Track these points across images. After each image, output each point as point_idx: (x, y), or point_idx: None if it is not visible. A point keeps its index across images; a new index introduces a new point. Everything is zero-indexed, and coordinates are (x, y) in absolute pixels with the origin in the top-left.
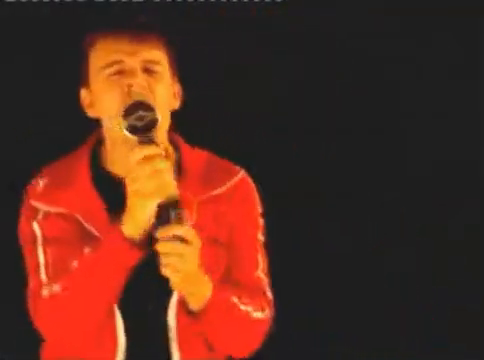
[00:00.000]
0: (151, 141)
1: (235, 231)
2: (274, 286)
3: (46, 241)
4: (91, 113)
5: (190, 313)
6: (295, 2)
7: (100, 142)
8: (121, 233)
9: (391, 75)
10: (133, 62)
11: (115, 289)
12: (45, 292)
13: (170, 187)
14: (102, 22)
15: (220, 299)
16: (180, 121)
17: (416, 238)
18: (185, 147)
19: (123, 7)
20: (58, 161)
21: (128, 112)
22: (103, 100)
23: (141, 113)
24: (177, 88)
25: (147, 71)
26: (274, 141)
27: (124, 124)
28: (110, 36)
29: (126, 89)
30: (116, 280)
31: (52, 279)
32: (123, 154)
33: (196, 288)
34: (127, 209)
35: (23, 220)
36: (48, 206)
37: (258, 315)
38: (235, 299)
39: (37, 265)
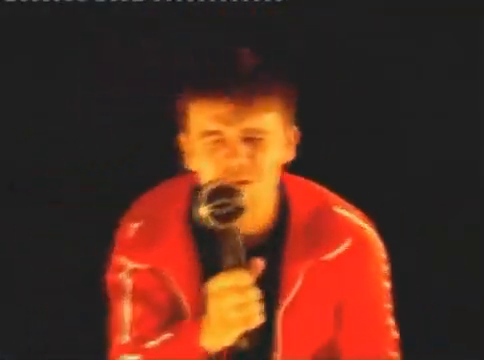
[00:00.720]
0: (240, 264)
1: (349, 307)
2: None
3: (133, 297)
4: (189, 165)
5: None
6: (295, 2)
7: (197, 190)
8: (197, 340)
9: (391, 75)
10: (232, 133)
11: None
12: (122, 357)
13: (255, 319)
14: (202, 73)
15: None
16: None
17: (416, 238)
18: (295, 196)
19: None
20: (150, 197)
21: (211, 198)
22: (201, 165)
23: (224, 200)
24: (292, 134)
25: (249, 140)
26: None
27: (204, 211)
28: (210, 96)
29: (224, 164)
30: None
31: (134, 341)
32: None
33: None
34: (207, 323)
35: (110, 269)
36: (137, 263)
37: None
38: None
39: (121, 321)
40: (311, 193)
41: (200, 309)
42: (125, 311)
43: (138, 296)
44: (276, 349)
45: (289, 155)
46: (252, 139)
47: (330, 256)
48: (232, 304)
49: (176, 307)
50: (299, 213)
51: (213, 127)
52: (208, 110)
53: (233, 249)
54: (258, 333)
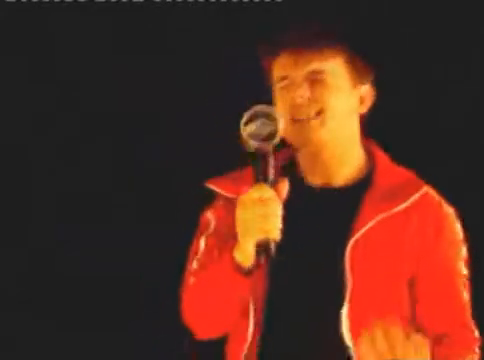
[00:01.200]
0: (267, 179)
1: (425, 263)
2: None
3: (211, 232)
4: None
5: None
6: (295, 2)
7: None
8: (232, 256)
9: (391, 75)
10: (296, 75)
11: (233, 300)
12: (191, 280)
13: (274, 231)
14: (281, 37)
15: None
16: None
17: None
18: (382, 159)
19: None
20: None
21: (249, 120)
22: (277, 108)
23: (264, 120)
24: (365, 92)
25: (312, 81)
26: None
27: (244, 131)
28: (282, 50)
29: (290, 101)
30: (230, 293)
31: (198, 268)
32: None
33: None
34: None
35: (204, 210)
36: (223, 191)
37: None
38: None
39: (195, 252)
40: (398, 169)
41: None
42: (201, 243)
43: (215, 231)
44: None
45: (361, 108)
46: (315, 81)
47: (400, 208)
48: (254, 214)
49: None
50: (385, 176)
51: (283, 73)
52: (281, 61)
53: (264, 168)
54: (275, 247)
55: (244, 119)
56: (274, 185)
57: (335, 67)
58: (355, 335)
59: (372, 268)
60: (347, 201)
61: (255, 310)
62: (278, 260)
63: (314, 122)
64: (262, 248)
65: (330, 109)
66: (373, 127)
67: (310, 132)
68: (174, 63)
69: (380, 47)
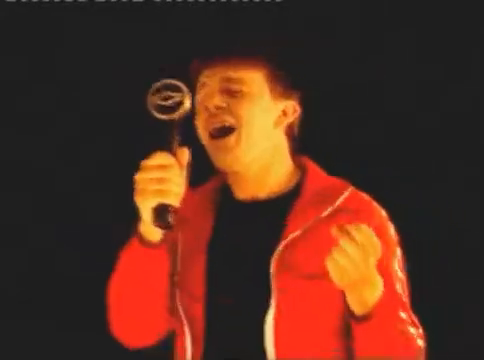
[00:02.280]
0: (171, 150)
1: None
2: None
3: None
4: None
5: (352, 317)
6: (295, 2)
7: None
8: (137, 231)
9: (391, 75)
10: (213, 82)
11: (152, 286)
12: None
13: (170, 195)
14: (201, 50)
15: (389, 306)
16: None
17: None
18: (313, 170)
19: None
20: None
21: (156, 91)
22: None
23: (169, 93)
24: (288, 107)
25: (228, 91)
26: None
27: (150, 102)
28: (203, 60)
29: (203, 105)
30: (146, 274)
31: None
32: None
33: (366, 289)
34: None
35: None
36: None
37: (420, 343)
38: (402, 313)
39: None
40: (327, 177)
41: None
42: None
43: None
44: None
45: (282, 121)
46: (231, 89)
47: (326, 213)
48: (151, 177)
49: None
50: (314, 185)
51: (202, 79)
52: (202, 69)
53: (168, 137)
54: (172, 214)
55: (151, 90)
56: (176, 152)
57: (255, 77)
58: (280, 348)
59: (299, 277)
60: (274, 213)
61: (192, 328)
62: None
63: (229, 141)
64: (158, 213)
65: (245, 121)
66: (373, 127)
67: (227, 154)
68: (173, 63)
69: (308, 69)
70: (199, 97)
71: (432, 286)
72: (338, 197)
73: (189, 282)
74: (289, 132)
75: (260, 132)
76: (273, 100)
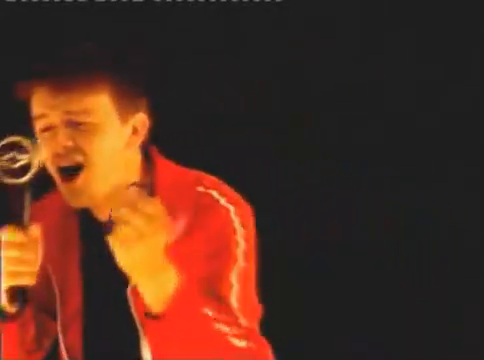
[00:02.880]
0: (22, 225)
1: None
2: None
3: None
4: None
5: (148, 316)
6: (295, 2)
7: None
8: None
9: (391, 75)
10: (55, 115)
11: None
12: None
13: (23, 277)
14: (33, 64)
15: (186, 304)
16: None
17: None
18: (161, 171)
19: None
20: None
21: (1, 151)
22: None
23: (15, 155)
24: (138, 122)
25: (73, 125)
26: (275, 139)
27: None
28: (37, 82)
29: (51, 148)
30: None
31: None
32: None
33: (155, 277)
34: None
35: None
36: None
37: (237, 343)
38: (209, 311)
39: None
40: (179, 176)
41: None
42: None
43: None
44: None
45: (134, 141)
46: (76, 123)
47: (179, 228)
48: (6, 257)
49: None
50: (161, 195)
51: (39, 111)
52: (38, 96)
53: (18, 206)
54: (24, 295)
55: None
56: (27, 225)
57: (100, 104)
58: None
59: None
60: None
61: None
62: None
63: (81, 182)
64: (11, 294)
65: (96, 157)
66: (373, 127)
67: (81, 196)
68: (174, 63)
69: (156, 69)
70: (38, 128)
71: (432, 286)
72: (189, 205)
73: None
74: (141, 144)
75: (112, 162)
76: (122, 122)
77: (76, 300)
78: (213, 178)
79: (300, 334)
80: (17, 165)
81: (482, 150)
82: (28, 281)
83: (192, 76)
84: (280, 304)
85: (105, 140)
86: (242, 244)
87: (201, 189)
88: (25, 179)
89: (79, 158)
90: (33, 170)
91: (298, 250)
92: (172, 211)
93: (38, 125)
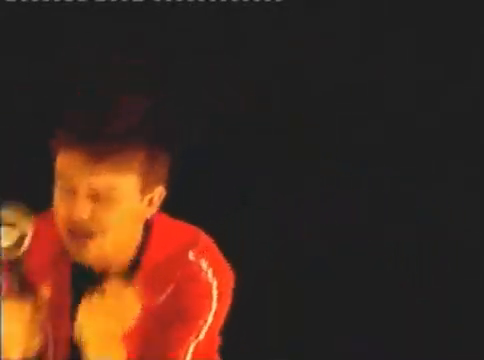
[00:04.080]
0: (18, 294)
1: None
2: None
3: None
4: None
5: None
6: (295, 2)
7: None
8: None
9: (391, 75)
10: (78, 184)
11: None
12: None
13: (10, 352)
14: (67, 128)
15: None
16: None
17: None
18: (155, 240)
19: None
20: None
21: None
22: (55, 206)
23: (5, 230)
24: (156, 194)
25: (96, 197)
26: (274, 140)
27: None
28: (71, 144)
29: (67, 213)
30: None
31: None
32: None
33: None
34: None
35: None
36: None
37: None
38: None
39: None
40: (173, 237)
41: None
42: None
43: None
44: None
45: (148, 212)
46: (99, 196)
47: (163, 297)
48: (15, 332)
49: None
50: (152, 258)
51: (64, 172)
52: (65, 158)
53: (11, 279)
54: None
55: None
56: (23, 296)
57: (126, 183)
58: None
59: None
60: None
61: None
62: None
63: (92, 246)
64: None
65: (111, 229)
66: (373, 127)
67: (86, 252)
68: (174, 63)
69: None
70: (59, 184)
71: (432, 286)
72: (177, 272)
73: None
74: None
75: (124, 231)
76: (142, 196)
77: (65, 350)
78: (207, 240)
79: (300, 334)
80: (9, 241)
81: (482, 150)
82: (11, 356)
83: (192, 76)
84: (280, 304)
85: (122, 214)
86: (210, 321)
87: (191, 257)
88: (19, 253)
89: (94, 228)
90: (26, 242)
91: (298, 250)
92: (159, 275)
93: (59, 181)
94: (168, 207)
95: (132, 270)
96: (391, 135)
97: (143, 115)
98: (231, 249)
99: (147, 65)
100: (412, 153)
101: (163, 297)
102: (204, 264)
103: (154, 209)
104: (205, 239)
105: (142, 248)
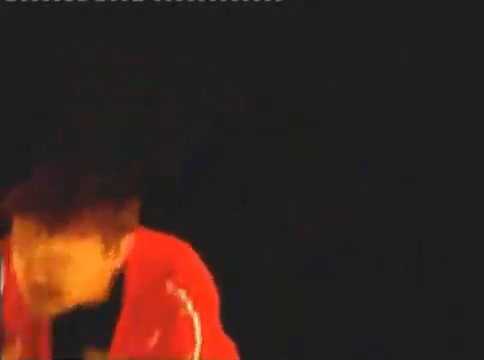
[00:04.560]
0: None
1: None
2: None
3: None
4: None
5: None
6: (295, 2)
7: None
8: None
9: (391, 75)
10: (35, 248)
11: None
12: None
13: None
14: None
15: None
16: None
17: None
18: (132, 270)
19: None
20: None
21: None
22: (15, 268)
23: None
24: (123, 244)
25: (51, 261)
26: (274, 140)
27: None
28: (24, 212)
29: (26, 278)
30: None
31: None
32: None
33: None
34: None
35: None
36: None
37: None
38: None
39: None
40: (150, 265)
41: None
42: None
43: None
44: None
45: (115, 263)
46: (54, 260)
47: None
48: None
49: None
50: (132, 290)
51: (21, 233)
52: (21, 224)
53: None
54: None
55: None
56: None
57: (86, 247)
58: None
59: None
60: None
61: None
62: None
63: (51, 303)
64: None
65: (73, 289)
66: (373, 127)
67: (46, 310)
68: (174, 63)
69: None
70: (14, 243)
71: (432, 286)
72: (156, 305)
73: None
74: None
75: (90, 288)
76: (105, 253)
77: None
78: (184, 260)
79: (300, 334)
80: None
81: (482, 150)
82: None
83: (192, 76)
84: (280, 304)
85: (83, 275)
86: (197, 352)
87: (170, 288)
88: None
89: (52, 289)
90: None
91: (298, 250)
92: (142, 314)
93: (17, 246)
94: (168, 207)
95: (112, 308)
96: (391, 135)
97: (98, 188)
98: (231, 249)
99: (147, 65)
100: (412, 153)
101: (153, 341)
102: (183, 295)
103: (122, 257)
104: (182, 260)
105: (118, 287)
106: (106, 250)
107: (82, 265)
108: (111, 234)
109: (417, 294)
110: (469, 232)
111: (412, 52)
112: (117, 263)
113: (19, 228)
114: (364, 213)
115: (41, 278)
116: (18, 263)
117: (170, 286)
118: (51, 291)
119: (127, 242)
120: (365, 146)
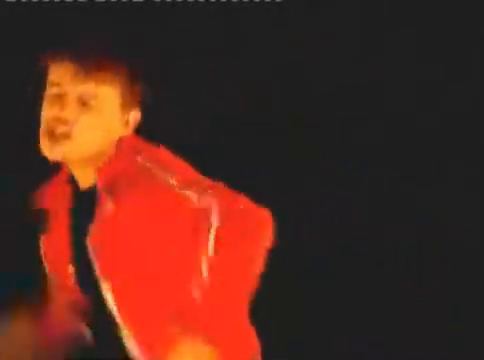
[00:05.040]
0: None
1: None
2: None
3: None
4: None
5: None
6: (295, 2)
7: None
8: None
9: (391, 75)
10: (68, 89)
11: None
12: None
13: None
14: (61, 42)
15: None
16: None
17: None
18: (126, 146)
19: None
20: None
21: None
22: (42, 110)
23: None
24: (132, 116)
25: (81, 103)
26: (274, 140)
27: None
28: (64, 58)
29: (53, 113)
30: None
31: None
32: None
33: None
34: None
35: None
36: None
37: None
38: None
39: None
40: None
41: None
42: None
43: None
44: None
45: (122, 131)
46: (83, 102)
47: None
48: None
49: None
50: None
51: (57, 80)
52: (58, 68)
53: None
54: None
55: None
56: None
57: (109, 93)
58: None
59: (124, 253)
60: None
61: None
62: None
63: (65, 143)
64: None
65: (87, 134)
66: (373, 127)
67: (58, 149)
68: (174, 63)
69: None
70: (50, 92)
71: (432, 286)
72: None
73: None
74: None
75: (99, 141)
76: (120, 112)
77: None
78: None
79: (300, 334)
80: None
81: (482, 150)
82: None
83: (192, 76)
84: (280, 304)
85: (102, 124)
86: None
87: (139, 159)
88: None
89: (73, 131)
90: None
91: (298, 250)
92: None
93: (50, 90)
94: None
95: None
96: (391, 135)
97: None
98: None
99: (147, 65)
100: (412, 153)
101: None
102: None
103: (129, 130)
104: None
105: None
106: (122, 108)
107: (103, 112)
108: (127, 95)
109: (417, 294)
110: (469, 232)
111: (412, 52)
112: (124, 131)
113: (57, 75)
114: (364, 213)
115: (71, 114)
116: (49, 106)
117: (139, 158)
118: (69, 131)
119: (134, 118)
120: (365, 146)
